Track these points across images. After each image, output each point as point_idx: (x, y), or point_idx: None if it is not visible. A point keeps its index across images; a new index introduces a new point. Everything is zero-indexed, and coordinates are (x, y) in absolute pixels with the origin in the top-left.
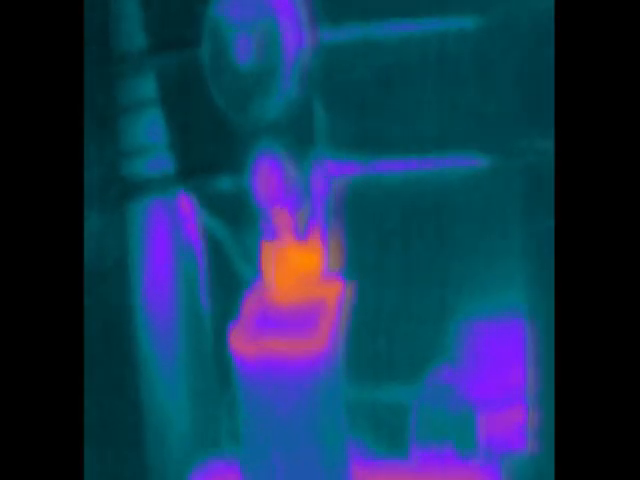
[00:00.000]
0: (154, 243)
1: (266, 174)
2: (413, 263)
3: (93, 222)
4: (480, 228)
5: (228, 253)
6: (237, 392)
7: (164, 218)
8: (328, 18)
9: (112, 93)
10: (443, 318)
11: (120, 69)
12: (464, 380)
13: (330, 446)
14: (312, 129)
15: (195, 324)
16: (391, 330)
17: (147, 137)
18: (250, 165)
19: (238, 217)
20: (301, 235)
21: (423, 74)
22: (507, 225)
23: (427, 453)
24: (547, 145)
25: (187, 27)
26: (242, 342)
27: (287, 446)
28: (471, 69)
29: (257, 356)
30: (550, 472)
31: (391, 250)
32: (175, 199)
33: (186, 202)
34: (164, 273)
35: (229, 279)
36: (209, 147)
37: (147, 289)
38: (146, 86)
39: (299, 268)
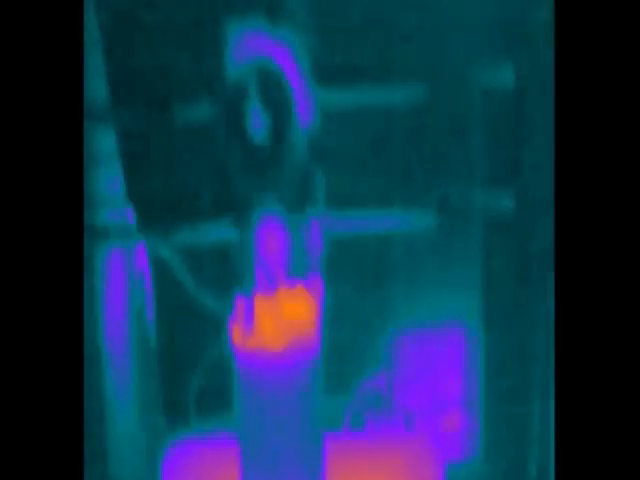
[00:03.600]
0: (113, 288)
1: (269, 232)
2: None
3: None
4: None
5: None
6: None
7: (122, 267)
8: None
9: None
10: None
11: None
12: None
13: (312, 425)
14: (310, 191)
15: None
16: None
17: (110, 188)
18: (253, 223)
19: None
20: (292, 286)
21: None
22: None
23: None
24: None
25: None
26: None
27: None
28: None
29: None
30: None
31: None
32: (134, 249)
33: (144, 254)
34: (120, 314)
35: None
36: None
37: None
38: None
39: (289, 316)
